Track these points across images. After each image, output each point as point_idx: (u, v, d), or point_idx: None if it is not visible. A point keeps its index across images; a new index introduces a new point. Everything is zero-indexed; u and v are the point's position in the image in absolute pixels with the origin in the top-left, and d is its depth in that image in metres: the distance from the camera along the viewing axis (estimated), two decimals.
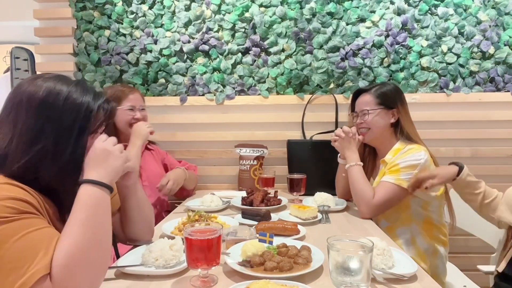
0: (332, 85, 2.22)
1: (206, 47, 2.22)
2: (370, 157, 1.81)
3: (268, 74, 2.23)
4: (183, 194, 2.02)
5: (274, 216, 1.49)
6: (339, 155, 1.81)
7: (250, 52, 2.23)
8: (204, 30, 2.22)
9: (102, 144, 0.90)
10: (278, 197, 1.75)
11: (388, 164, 1.59)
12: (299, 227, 1.30)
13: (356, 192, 1.58)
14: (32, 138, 0.84)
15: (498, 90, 2.18)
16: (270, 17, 2.20)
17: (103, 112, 0.94)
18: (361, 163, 1.63)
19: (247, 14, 2.21)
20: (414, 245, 1.56)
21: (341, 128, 1.68)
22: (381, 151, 1.71)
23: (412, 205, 1.57)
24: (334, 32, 2.20)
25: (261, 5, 2.21)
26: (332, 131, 2.18)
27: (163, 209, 1.92)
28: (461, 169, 1.39)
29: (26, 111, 0.85)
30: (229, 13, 2.22)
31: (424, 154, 1.53)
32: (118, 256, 1.30)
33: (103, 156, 0.88)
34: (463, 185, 1.40)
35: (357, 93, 1.76)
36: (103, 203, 0.86)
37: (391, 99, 1.65)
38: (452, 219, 1.61)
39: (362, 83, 2.20)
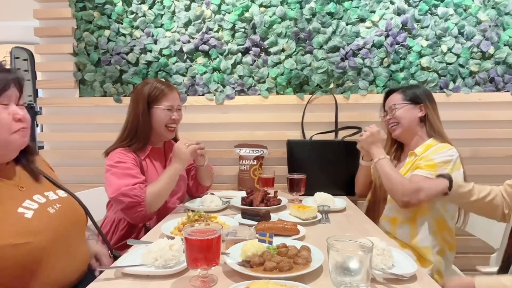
0: (332, 85, 2.22)
1: (206, 47, 2.22)
2: (397, 154, 1.83)
3: (268, 74, 2.23)
4: (198, 190, 2.01)
5: (274, 216, 1.49)
6: (361, 155, 1.86)
7: (250, 52, 2.23)
8: (204, 30, 2.22)
9: None
10: (278, 197, 1.75)
11: (419, 157, 1.60)
12: (299, 227, 1.30)
13: (392, 183, 1.55)
14: None
15: (498, 90, 2.18)
16: (270, 17, 2.20)
17: None
18: (388, 156, 1.64)
19: (247, 14, 2.21)
20: (424, 238, 1.56)
21: (368, 126, 1.72)
22: (410, 148, 1.72)
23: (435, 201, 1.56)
24: (334, 32, 2.20)
25: (261, 5, 2.21)
26: (332, 131, 2.18)
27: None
28: (450, 182, 1.38)
29: None
30: (229, 13, 2.22)
31: (456, 152, 1.57)
32: (114, 255, 1.30)
33: None
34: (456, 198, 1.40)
35: (388, 94, 1.81)
36: None
37: (418, 96, 1.70)
38: (462, 220, 1.63)
39: (362, 83, 2.20)
